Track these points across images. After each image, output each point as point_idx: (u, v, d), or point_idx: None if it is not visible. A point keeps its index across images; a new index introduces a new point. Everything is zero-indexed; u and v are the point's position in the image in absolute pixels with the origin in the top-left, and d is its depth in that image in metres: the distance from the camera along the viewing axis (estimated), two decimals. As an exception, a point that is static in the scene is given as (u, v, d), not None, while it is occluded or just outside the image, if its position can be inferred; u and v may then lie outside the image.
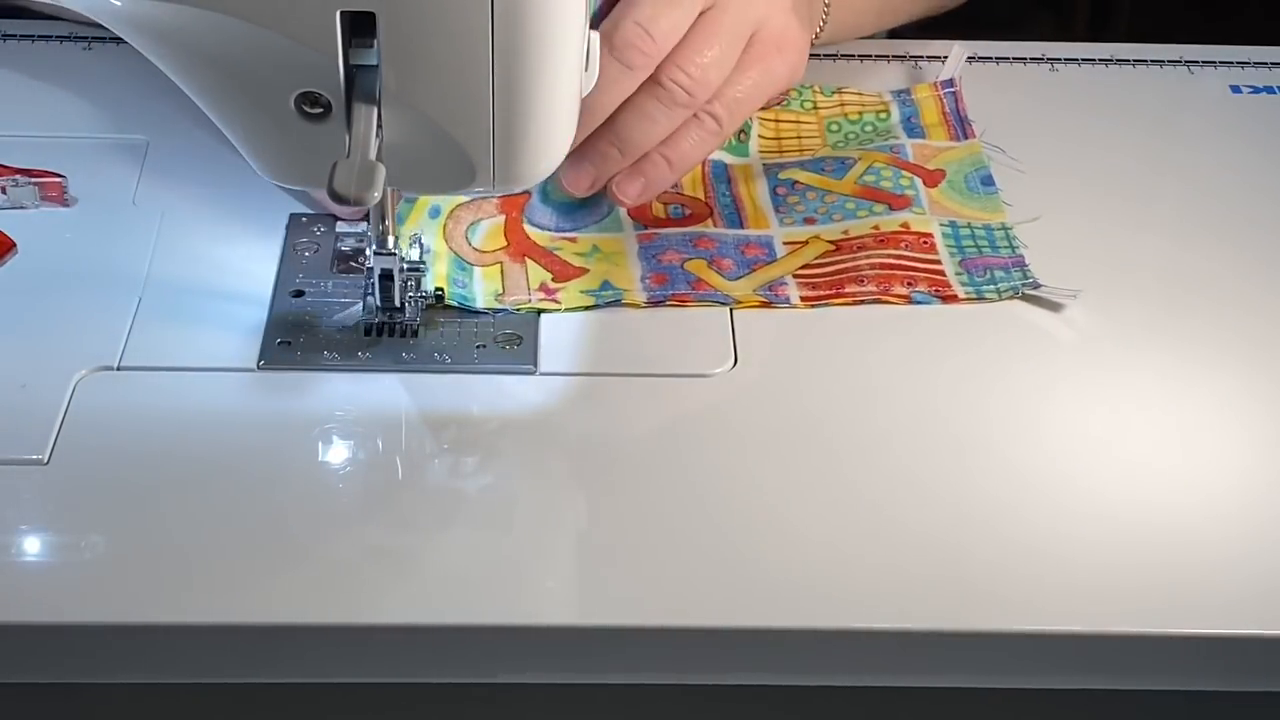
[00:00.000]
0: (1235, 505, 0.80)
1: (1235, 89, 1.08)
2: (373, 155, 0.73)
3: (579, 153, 0.90)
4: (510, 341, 0.87)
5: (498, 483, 0.81)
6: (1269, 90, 1.08)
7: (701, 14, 0.89)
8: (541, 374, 0.86)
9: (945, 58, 1.08)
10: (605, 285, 0.90)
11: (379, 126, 0.75)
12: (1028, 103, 1.05)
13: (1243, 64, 1.10)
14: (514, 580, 0.76)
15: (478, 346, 0.87)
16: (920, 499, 0.80)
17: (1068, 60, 1.10)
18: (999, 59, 1.09)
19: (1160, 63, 1.10)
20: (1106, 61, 1.10)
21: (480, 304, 0.89)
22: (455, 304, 0.88)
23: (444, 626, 0.74)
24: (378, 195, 0.73)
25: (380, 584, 0.75)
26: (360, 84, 0.74)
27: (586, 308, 0.89)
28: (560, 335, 0.88)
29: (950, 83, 1.05)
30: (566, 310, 0.89)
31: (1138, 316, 0.91)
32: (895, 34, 1.20)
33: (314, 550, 0.77)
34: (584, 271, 0.91)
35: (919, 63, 1.09)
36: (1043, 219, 0.96)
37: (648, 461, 0.81)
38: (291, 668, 0.75)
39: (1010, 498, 0.80)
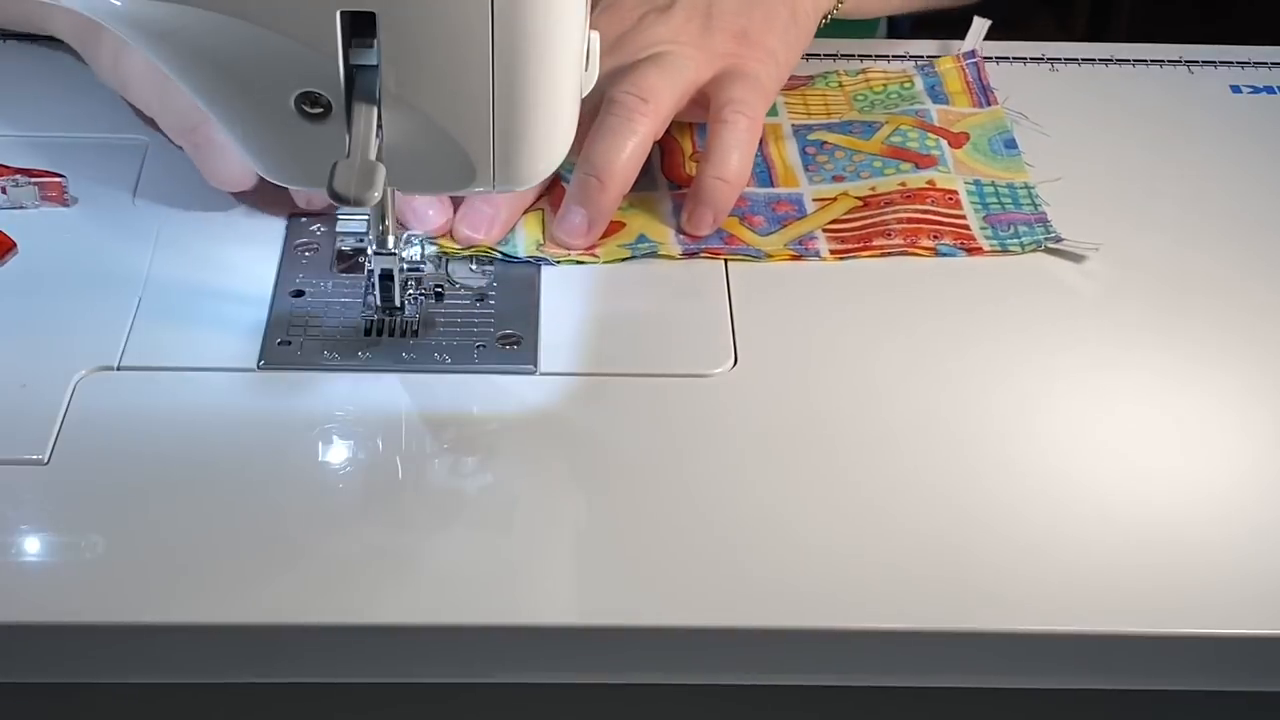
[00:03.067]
0: (1237, 505, 0.80)
1: (1235, 89, 1.08)
2: (373, 155, 0.73)
3: (566, 199, 0.92)
4: (510, 341, 0.87)
5: (498, 483, 0.81)
6: (1269, 90, 1.08)
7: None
8: (541, 374, 0.86)
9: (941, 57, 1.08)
10: (641, 238, 0.93)
11: (379, 126, 0.75)
12: (1028, 103, 1.05)
13: (1243, 64, 1.10)
14: (514, 580, 0.76)
15: (478, 346, 0.87)
16: (920, 499, 0.80)
17: (1068, 60, 1.10)
18: (999, 59, 1.09)
19: (1160, 63, 1.10)
20: (1106, 61, 1.10)
21: (522, 252, 0.91)
22: (500, 255, 0.91)
23: (444, 626, 0.74)
24: (378, 195, 0.73)
25: (380, 584, 0.75)
26: (360, 84, 0.74)
27: (624, 259, 0.91)
28: (560, 335, 0.88)
29: (972, 54, 1.07)
30: (605, 262, 0.91)
31: (1139, 316, 0.91)
32: (894, 34, 1.20)
33: (314, 550, 0.77)
34: (622, 226, 0.93)
35: (919, 62, 1.09)
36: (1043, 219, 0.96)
37: (648, 461, 0.81)
38: (291, 668, 0.75)
39: (1011, 498, 0.80)
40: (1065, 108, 1.06)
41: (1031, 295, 0.91)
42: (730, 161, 0.93)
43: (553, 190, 0.94)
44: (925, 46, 1.10)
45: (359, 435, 0.83)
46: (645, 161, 0.93)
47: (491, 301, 0.90)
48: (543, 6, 0.74)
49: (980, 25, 1.08)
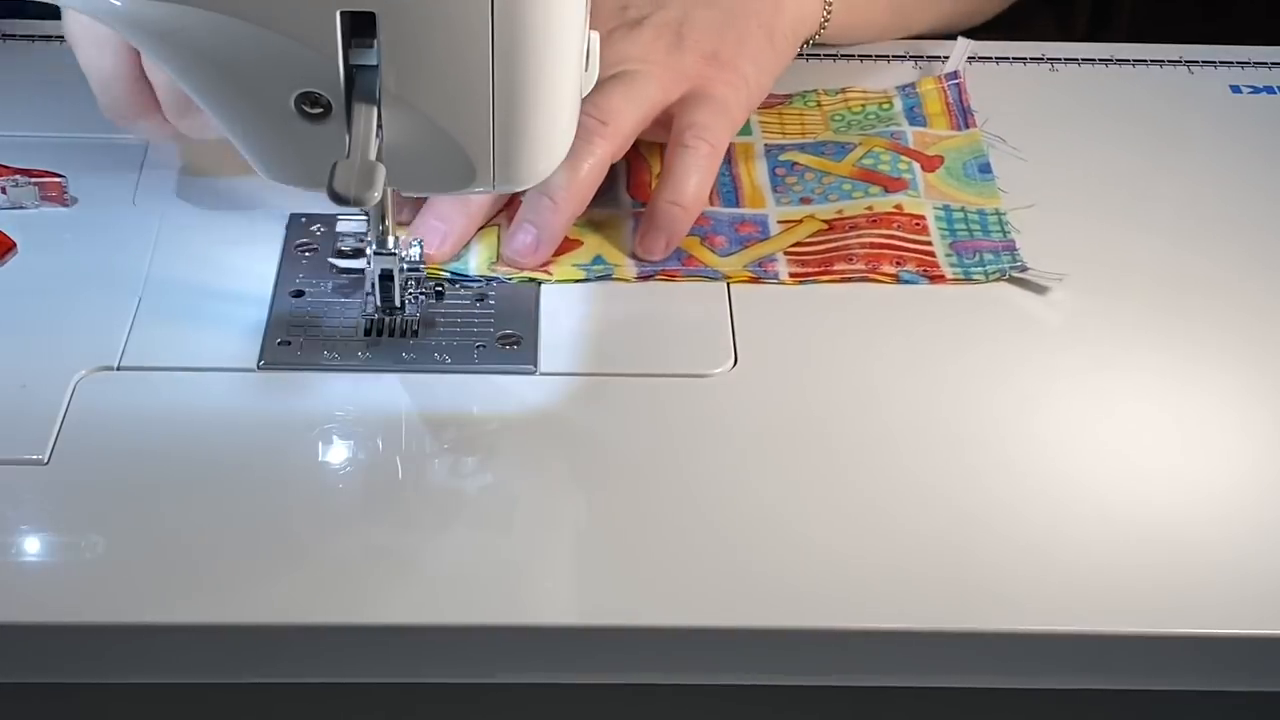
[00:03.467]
0: (1237, 505, 0.80)
1: (1235, 89, 1.08)
2: (373, 155, 0.73)
3: (518, 216, 0.91)
4: (510, 341, 0.87)
5: (498, 483, 0.81)
6: (1269, 90, 1.08)
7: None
8: (541, 374, 0.86)
9: (945, 57, 1.08)
10: (597, 260, 0.91)
11: (379, 126, 0.75)
12: (1028, 103, 1.05)
13: (1243, 64, 1.10)
14: (514, 580, 0.76)
15: (478, 346, 0.87)
16: (920, 499, 0.80)
17: (1068, 60, 1.10)
18: (999, 59, 1.09)
19: (1160, 63, 1.10)
20: (1106, 61, 1.10)
21: (474, 271, 0.90)
22: (449, 274, 0.89)
23: (444, 626, 0.74)
24: (377, 195, 0.73)
25: (380, 584, 0.75)
26: (360, 84, 0.74)
27: (577, 280, 0.90)
28: (560, 335, 0.88)
29: (954, 75, 1.05)
30: (558, 282, 0.90)
31: (1138, 316, 0.91)
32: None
33: (314, 550, 0.77)
34: (578, 244, 0.92)
35: (919, 63, 1.09)
36: (1041, 220, 0.96)
37: (647, 461, 0.81)
38: (291, 668, 0.75)
39: (1011, 498, 0.80)
40: (1066, 108, 1.06)
41: (1031, 295, 0.91)
42: (687, 187, 0.92)
43: (510, 207, 0.93)
44: (923, 46, 1.10)
45: (359, 435, 0.83)
46: (610, 178, 0.93)
47: (491, 301, 0.90)
48: (543, 6, 0.74)
49: (963, 45, 1.07)
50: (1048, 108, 1.06)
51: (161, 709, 0.79)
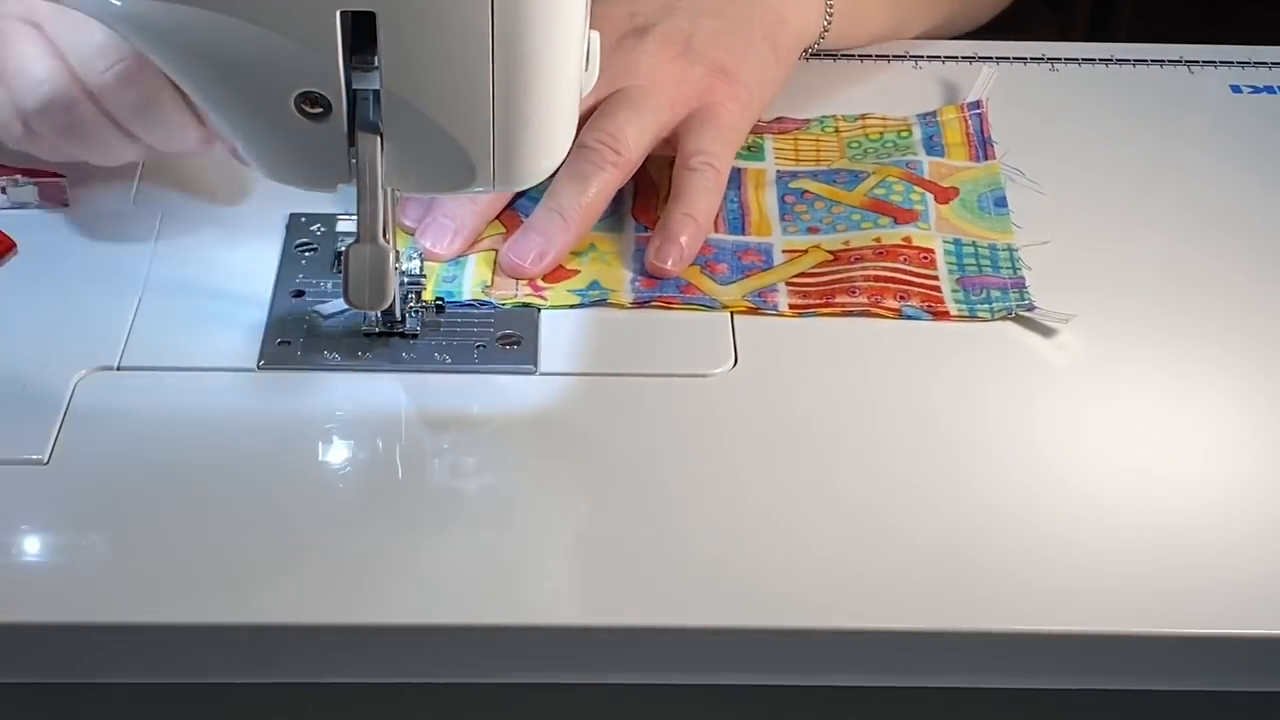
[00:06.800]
0: (1237, 505, 0.80)
1: (1235, 89, 1.08)
2: (381, 237, 0.76)
3: (524, 226, 0.92)
4: (510, 342, 0.87)
5: (498, 483, 0.81)
6: (1269, 90, 1.08)
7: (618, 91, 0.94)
8: (541, 374, 0.86)
9: (946, 57, 1.08)
10: (593, 285, 0.91)
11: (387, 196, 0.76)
12: (1027, 102, 1.05)
13: (1243, 64, 1.10)
14: (514, 580, 0.76)
15: (478, 347, 0.87)
16: (920, 499, 0.80)
17: (1068, 60, 1.10)
18: (999, 59, 1.09)
19: (1160, 63, 1.10)
20: (1106, 61, 1.10)
21: (467, 295, 0.89)
22: (439, 297, 0.89)
23: (444, 626, 0.74)
24: (388, 302, 0.77)
25: (380, 584, 0.75)
26: (365, 153, 0.76)
27: (571, 306, 0.90)
28: (560, 335, 0.88)
29: (977, 104, 1.04)
30: (551, 307, 0.89)
31: (1137, 317, 0.91)
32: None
33: (314, 550, 0.77)
34: (575, 274, 0.91)
35: (919, 62, 1.09)
36: (1040, 214, 0.96)
37: (648, 461, 0.81)
38: (292, 668, 0.75)
39: (1009, 498, 0.80)
40: (1065, 108, 1.06)
41: (1031, 295, 0.91)
42: (699, 203, 0.92)
43: (509, 229, 0.93)
44: (926, 46, 1.10)
45: (359, 435, 0.83)
46: (614, 201, 0.93)
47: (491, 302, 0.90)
48: (542, 6, 0.74)
49: (988, 74, 1.06)
50: (1047, 107, 1.06)
51: (162, 709, 0.79)
